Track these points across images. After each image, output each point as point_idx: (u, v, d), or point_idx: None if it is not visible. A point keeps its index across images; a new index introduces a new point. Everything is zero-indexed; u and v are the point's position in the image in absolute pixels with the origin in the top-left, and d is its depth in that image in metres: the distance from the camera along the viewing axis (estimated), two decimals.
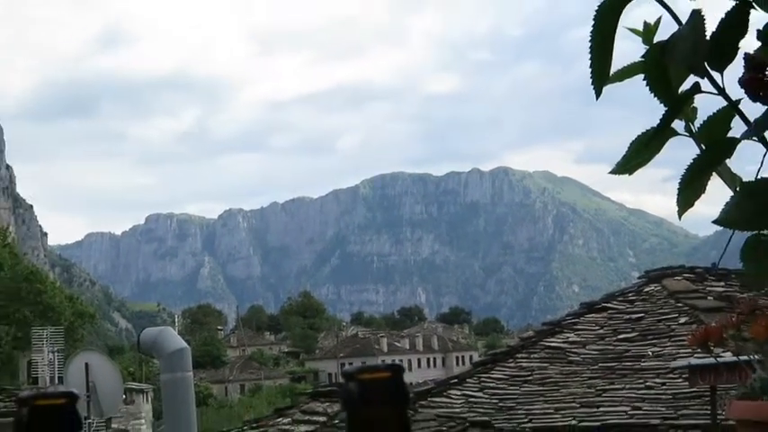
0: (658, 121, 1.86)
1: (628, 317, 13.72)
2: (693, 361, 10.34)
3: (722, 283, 13.81)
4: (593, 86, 1.80)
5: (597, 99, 1.81)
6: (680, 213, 1.97)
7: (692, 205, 1.96)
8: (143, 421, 22.42)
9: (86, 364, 16.41)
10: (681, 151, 1.95)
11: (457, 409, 11.50)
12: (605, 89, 1.81)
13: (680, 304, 13.33)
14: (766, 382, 1.97)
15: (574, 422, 11.41)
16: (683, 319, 12.85)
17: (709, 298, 13.34)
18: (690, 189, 1.92)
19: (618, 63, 1.83)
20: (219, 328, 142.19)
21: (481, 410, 11.61)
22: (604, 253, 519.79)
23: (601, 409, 11.74)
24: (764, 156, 1.88)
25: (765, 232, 1.89)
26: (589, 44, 1.78)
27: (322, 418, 9.35)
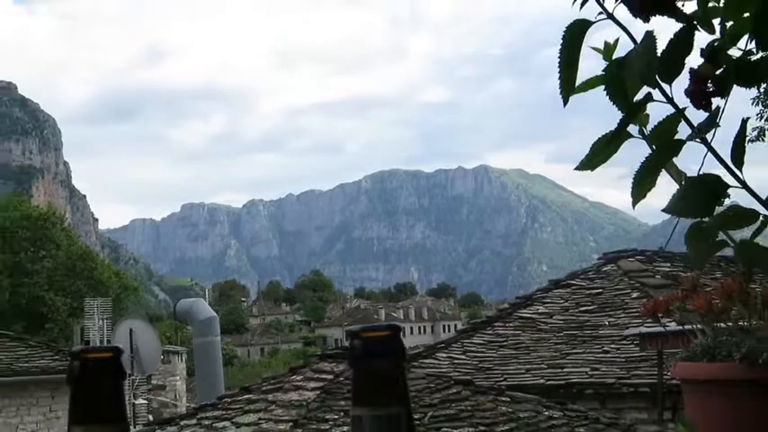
0: (616, 126, 1.86)
1: (588, 292, 13.71)
2: (643, 329, 10.35)
3: (668, 264, 13.82)
4: (561, 96, 1.81)
5: (564, 106, 1.81)
6: (633, 204, 1.97)
7: (644, 197, 1.96)
8: (178, 378, 22.40)
9: (130, 330, 16.45)
10: (635, 151, 1.95)
11: (443, 369, 11.51)
12: (572, 99, 1.82)
13: (632, 282, 13.33)
14: (705, 347, 1.97)
15: (542, 381, 11.43)
16: (634, 295, 12.84)
17: (657, 276, 13.34)
18: (642, 183, 1.93)
19: (582, 77, 1.83)
20: (243, 299, 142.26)
21: (464, 370, 11.62)
22: (569, 238, 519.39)
23: (565, 370, 11.74)
24: (705, 155, 1.89)
25: (705, 220, 1.90)
26: (558, 61, 1.79)
27: (329, 376, 9.34)
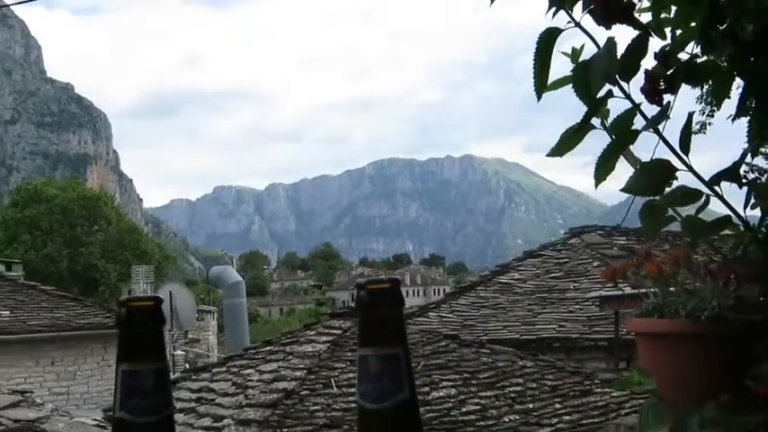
0: (581, 119, 1.86)
1: (556, 261, 13.73)
2: (603, 293, 10.37)
3: (624, 238, 13.82)
4: (535, 93, 1.81)
5: (538, 101, 1.82)
6: (596, 184, 1.97)
7: (604, 179, 1.96)
8: (210, 333, 22.49)
9: (170, 292, 16.46)
10: (597, 142, 1.94)
11: (434, 326, 11.55)
12: (544, 98, 1.82)
13: (594, 253, 13.34)
14: (656, 306, 1.97)
15: (517, 336, 11.47)
16: (595, 264, 12.86)
17: (614, 248, 13.35)
18: (603, 167, 1.92)
19: (553, 77, 1.83)
20: (265, 267, 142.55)
21: (451, 327, 11.66)
22: (540, 217, 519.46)
23: (536, 326, 11.78)
24: (657, 143, 1.88)
25: (657, 198, 1.90)
26: (533, 63, 1.79)
27: (338, 332, 9.35)
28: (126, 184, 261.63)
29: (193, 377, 9.46)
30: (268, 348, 9.53)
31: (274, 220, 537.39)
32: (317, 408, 7.73)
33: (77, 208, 46.90)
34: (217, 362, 10.71)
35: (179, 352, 18.15)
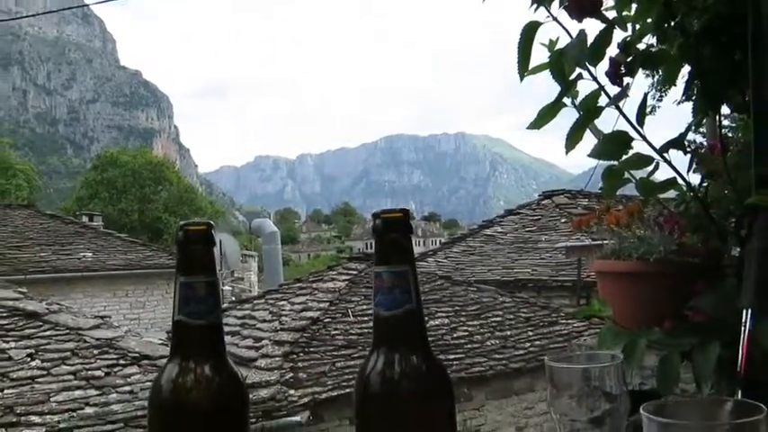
0: (555, 97, 1.83)
1: (531, 218, 13.68)
2: (568, 243, 10.34)
3: (587, 200, 13.74)
4: (519, 75, 1.79)
5: (521, 81, 1.79)
6: (566, 152, 1.94)
7: (573, 148, 1.93)
8: (252, 273, 22.60)
9: (220, 240, 16.48)
10: (566, 121, 1.91)
11: (432, 269, 11.57)
12: (524, 86, 1.79)
13: (562, 212, 13.29)
14: (614, 250, 1.96)
15: (498, 277, 11.47)
16: (563, 220, 12.81)
17: (578, 208, 13.29)
18: (573, 138, 1.90)
19: (534, 63, 1.80)
20: (296, 221, 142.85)
21: (445, 270, 11.67)
22: (519, 182, 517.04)
23: (514, 270, 11.77)
24: (617, 118, 1.86)
25: (616, 163, 1.88)
26: (517, 52, 1.76)
27: (354, 272, 9.37)
28: (184, 153, 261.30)
29: (238, 307, 9.53)
30: (298, 285, 9.57)
31: (303, 183, 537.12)
32: (337, 332, 7.78)
33: (145, 172, 46.92)
34: (257, 295, 10.76)
35: (227, 287, 18.24)
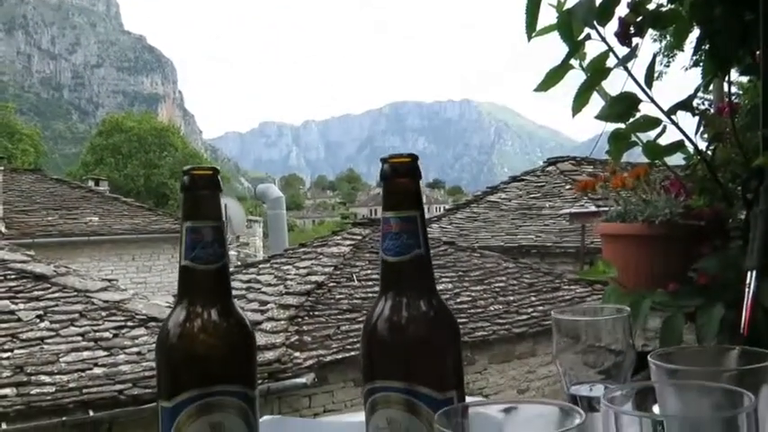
0: (563, 59, 1.80)
1: (535, 185, 13.63)
2: (572, 210, 10.33)
3: (591, 167, 13.67)
4: (526, 35, 1.76)
5: (528, 42, 1.76)
6: (573, 114, 1.92)
7: (580, 110, 1.91)
8: (257, 238, 22.67)
9: (225, 205, 16.48)
10: (572, 88, 1.88)
11: (436, 234, 11.58)
12: (530, 53, 1.77)
13: (566, 178, 13.24)
14: (619, 213, 1.96)
15: (502, 243, 11.48)
16: (567, 187, 12.76)
17: (583, 175, 13.25)
18: (579, 100, 1.87)
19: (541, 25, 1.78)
20: (300, 187, 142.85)
21: (450, 235, 11.67)
22: (523, 149, 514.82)
23: (518, 236, 11.78)
24: (625, 81, 1.83)
25: (623, 126, 1.86)
26: (525, 14, 1.74)
27: (359, 237, 9.38)
28: (189, 118, 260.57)
29: (244, 271, 9.57)
30: (303, 250, 9.60)
31: (308, 149, 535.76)
32: (341, 296, 7.83)
33: (150, 137, 46.84)
34: (262, 260, 10.80)
35: (232, 252, 18.35)
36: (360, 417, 0.93)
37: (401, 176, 0.71)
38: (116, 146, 45.75)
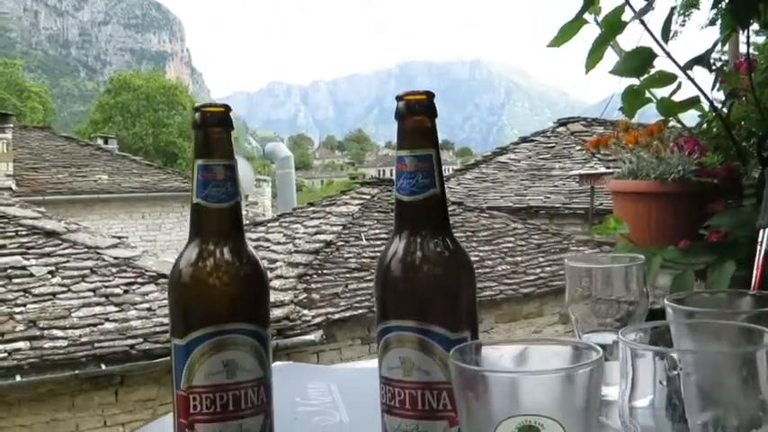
0: (576, 13, 1.77)
1: (545, 146, 13.52)
2: (582, 171, 10.28)
3: (602, 128, 13.53)
4: None
5: None
6: (586, 71, 1.90)
7: (593, 67, 1.88)
8: (265, 198, 22.67)
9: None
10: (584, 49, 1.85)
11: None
12: (547, 7, 1.72)
13: (576, 139, 13.13)
14: (631, 170, 1.94)
15: (510, 204, 11.44)
16: (577, 148, 12.66)
17: (594, 135, 13.11)
18: (593, 56, 1.85)
19: None
20: (309, 147, 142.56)
21: (458, 196, 11.63)
22: (534, 110, 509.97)
23: (527, 197, 11.73)
24: (641, 36, 1.81)
25: (637, 83, 1.83)
26: None
27: (367, 197, 9.38)
28: (197, 77, 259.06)
29: (253, 230, 9.60)
30: (312, 209, 9.61)
31: (317, 108, 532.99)
32: (349, 255, 7.86)
33: (159, 95, 46.64)
34: (271, 218, 10.83)
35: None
36: (371, 363, 0.94)
37: (416, 114, 0.70)
38: (124, 104, 45.62)
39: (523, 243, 8.96)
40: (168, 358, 0.73)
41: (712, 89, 1.91)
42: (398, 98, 0.71)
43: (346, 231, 8.32)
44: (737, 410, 0.46)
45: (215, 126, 0.73)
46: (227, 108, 0.74)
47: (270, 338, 0.72)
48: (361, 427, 0.81)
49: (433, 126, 0.71)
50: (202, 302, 0.70)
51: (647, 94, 1.87)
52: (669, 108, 1.89)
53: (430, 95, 0.70)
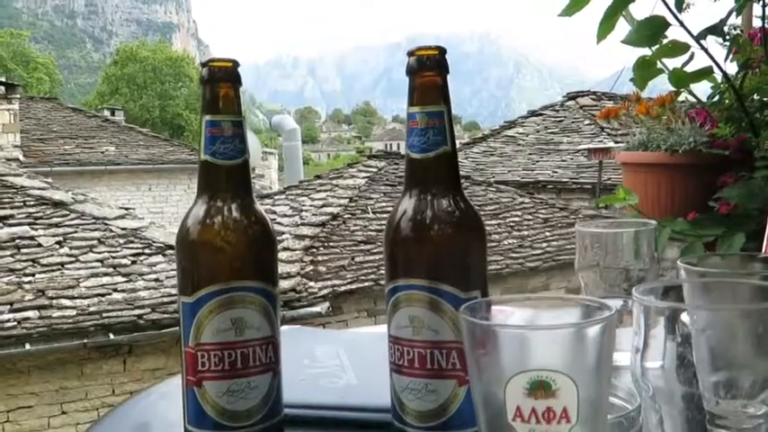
0: None
1: (554, 120, 13.43)
2: (590, 145, 10.22)
3: (612, 102, 13.44)
4: None
5: None
6: (598, 41, 1.87)
7: (605, 37, 1.85)
8: (272, 170, 22.67)
9: None
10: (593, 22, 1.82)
11: None
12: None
13: (585, 113, 13.03)
14: (641, 141, 1.93)
15: (518, 178, 11.40)
16: (586, 122, 12.59)
17: (603, 109, 13.01)
18: (605, 26, 1.82)
19: None
20: (316, 120, 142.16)
21: (465, 170, 11.59)
22: (542, 85, 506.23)
23: (534, 171, 11.68)
24: (655, 3, 1.78)
25: (649, 54, 1.81)
26: None
27: (374, 170, 9.36)
28: (204, 49, 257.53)
29: (259, 202, 9.60)
30: (318, 181, 9.60)
31: (324, 81, 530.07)
32: (356, 228, 7.87)
33: (165, 67, 46.42)
34: (278, 191, 10.84)
35: None
36: (378, 329, 0.94)
37: (428, 69, 0.69)
38: (131, 76, 45.45)
39: (530, 217, 8.94)
40: (176, 329, 0.73)
41: (725, 60, 1.88)
42: (410, 53, 0.70)
43: (353, 204, 8.32)
44: (750, 370, 0.46)
45: (223, 81, 0.72)
46: (236, 63, 0.73)
47: (278, 298, 0.72)
48: (368, 389, 0.81)
49: (445, 82, 0.69)
50: (210, 260, 0.70)
51: (659, 65, 1.85)
52: (681, 79, 1.86)
53: (442, 51, 0.69)
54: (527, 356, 0.43)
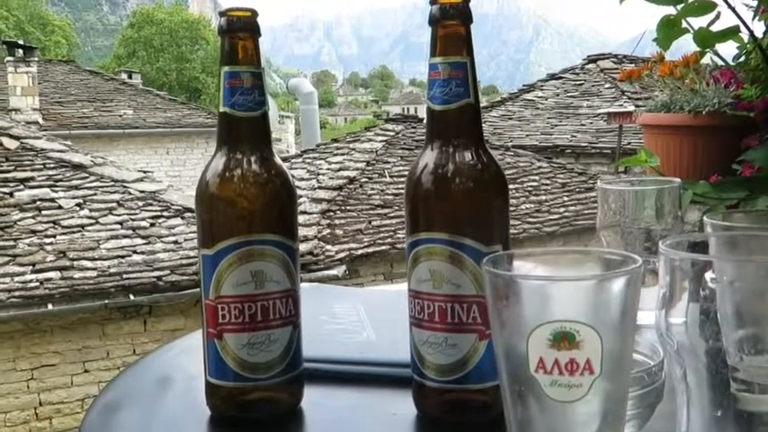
0: None
1: (574, 83, 13.23)
2: (610, 109, 10.09)
3: (633, 65, 13.16)
4: None
5: None
6: (621, 1, 1.83)
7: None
8: (289, 134, 22.63)
9: None
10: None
11: None
12: None
13: (606, 76, 12.83)
14: (664, 102, 1.89)
15: (536, 143, 11.30)
16: (607, 86, 12.40)
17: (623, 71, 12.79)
18: None
19: None
20: (333, 84, 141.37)
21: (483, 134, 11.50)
22: (562, 47, 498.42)
23: (553, 136, 11.57)
24: None
25: (673, 14, 1.77)
26: None
27: (391, 133, 9.32)
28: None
29: None
30: (335, 145, 9.58)
31: (341, 44, 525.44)
32: (373, 192, 7.87)
33: (182, 30, 46.27)
34: (295, 154, 10.83)
35: None
36: (398, 286, 0.94)
37: (451, 18, 0.67)
38: (147, 39, 45.36)
39: (548, 182, 8.89)
40: (196, 290, 0.73)
41: (753, 19, 1.84)
42: (432, 2, 0.68)
43: (370, 168, 8.31)
44: None
45: (242, 31, 0.71)
46: (255, 12, 0.72)
47: (298, 252, 0.72)
48: (388, 345, 0.81)
49: (468, 32, 0.68)
50: (229, 212, 0.70)
51: (684, 25, 1.81)
52: (706, 39, 1.82)
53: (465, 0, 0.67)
54: (550, 308, 0.43)
